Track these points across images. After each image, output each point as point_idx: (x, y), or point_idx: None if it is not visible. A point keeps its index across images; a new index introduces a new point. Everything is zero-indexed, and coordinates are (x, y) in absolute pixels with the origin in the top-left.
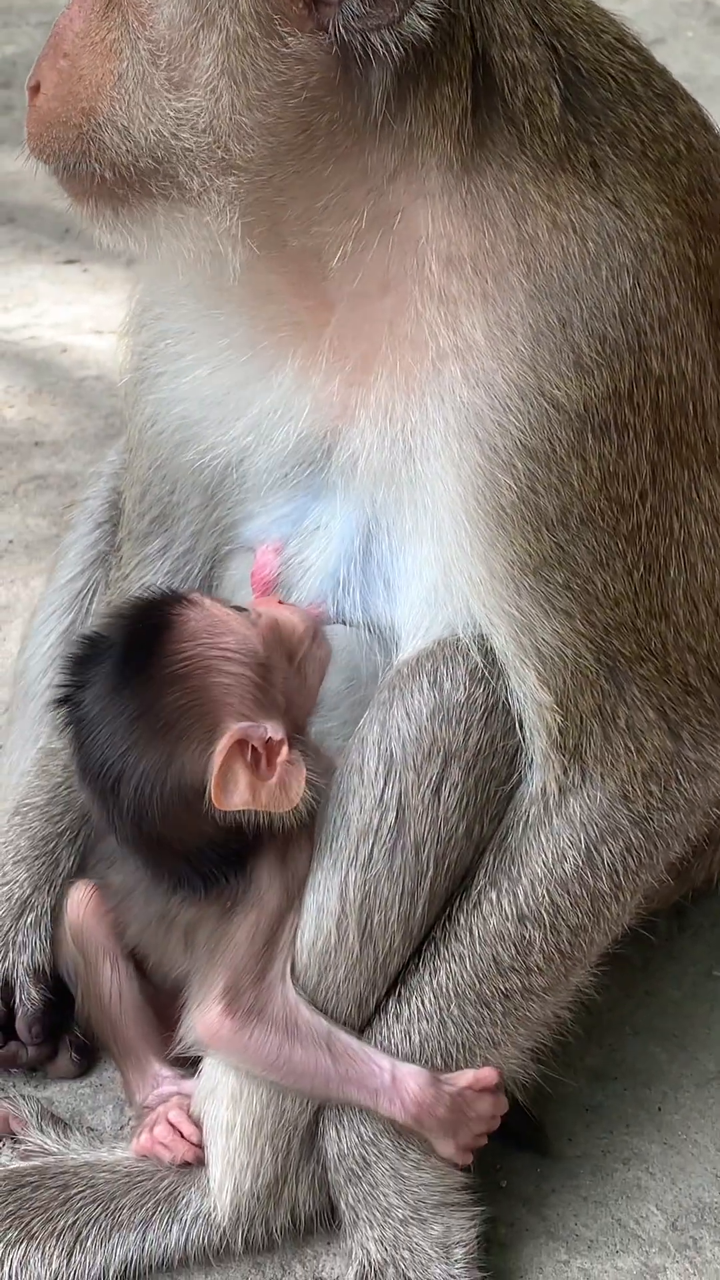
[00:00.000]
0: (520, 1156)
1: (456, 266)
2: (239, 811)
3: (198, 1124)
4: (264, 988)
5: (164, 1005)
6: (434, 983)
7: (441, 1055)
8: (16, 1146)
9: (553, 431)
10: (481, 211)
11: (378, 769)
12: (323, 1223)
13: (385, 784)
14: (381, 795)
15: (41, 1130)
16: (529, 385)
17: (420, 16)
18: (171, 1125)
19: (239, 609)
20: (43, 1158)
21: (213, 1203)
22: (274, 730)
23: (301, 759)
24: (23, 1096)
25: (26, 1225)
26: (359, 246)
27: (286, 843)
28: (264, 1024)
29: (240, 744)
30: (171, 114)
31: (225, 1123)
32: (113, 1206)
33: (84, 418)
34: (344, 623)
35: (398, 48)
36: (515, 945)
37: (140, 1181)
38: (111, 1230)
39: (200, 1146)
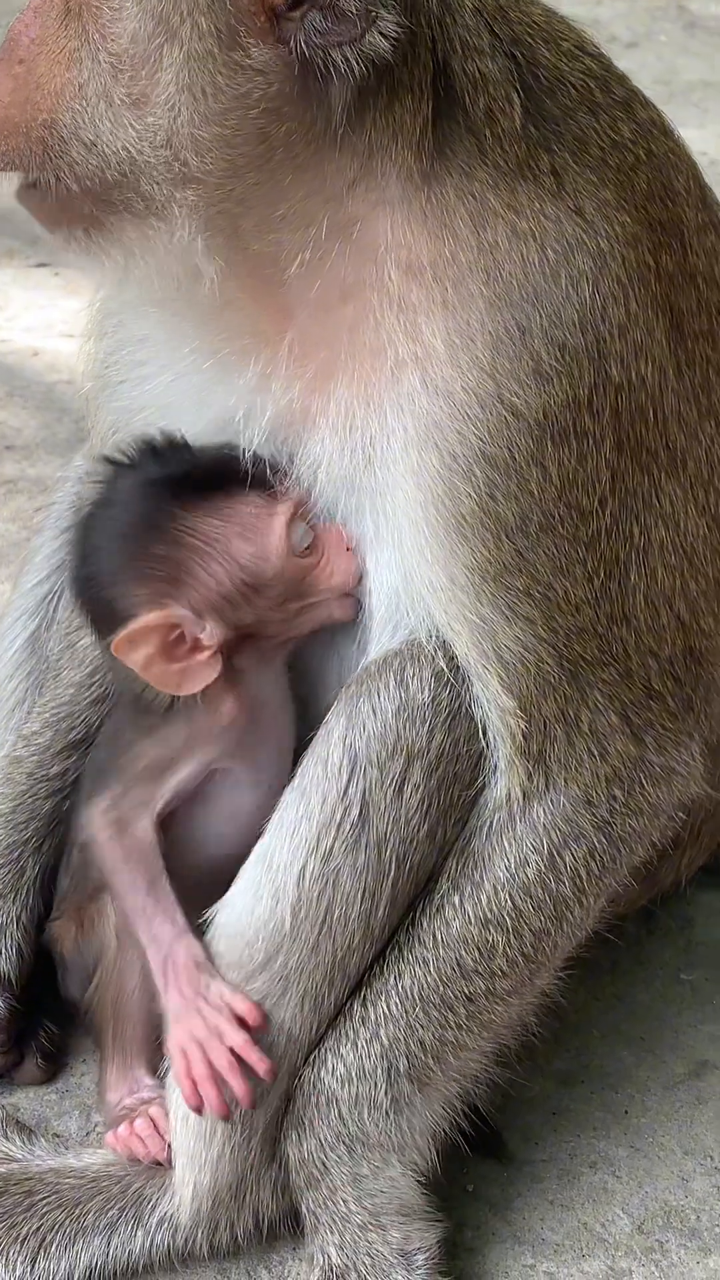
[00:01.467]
0: (486, 1161)
1: (416, 274)
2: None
3: None
4: (135, 812)
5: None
6: (399, 987)
7: (408, 1057)
8: None
9: (512, 439)
10: (441, 220)
11: (341, 763)
12: (288, 1228)
13: (349, 779)
14: (345, 789)
15: (6, 1137)
16: (488, 393)
17: (382, 35)
18: (152, 1120)
19: (312, 529)
20: (7, 1164)
21: (176, 1198)
22: (210, 636)
23: (217, 666)
24: None
25: None
26: (317, 254)
27: (218, 706)
28: (118, 837)
29: (171, 626)
30: (134, 131)
31: (183, 1114)
32: (78, 1212)
33: (55, 422)
34: None
35: (359, 64)
36: (479, 949)
37: (105, 1187)
38: (76, 1236)
39: None
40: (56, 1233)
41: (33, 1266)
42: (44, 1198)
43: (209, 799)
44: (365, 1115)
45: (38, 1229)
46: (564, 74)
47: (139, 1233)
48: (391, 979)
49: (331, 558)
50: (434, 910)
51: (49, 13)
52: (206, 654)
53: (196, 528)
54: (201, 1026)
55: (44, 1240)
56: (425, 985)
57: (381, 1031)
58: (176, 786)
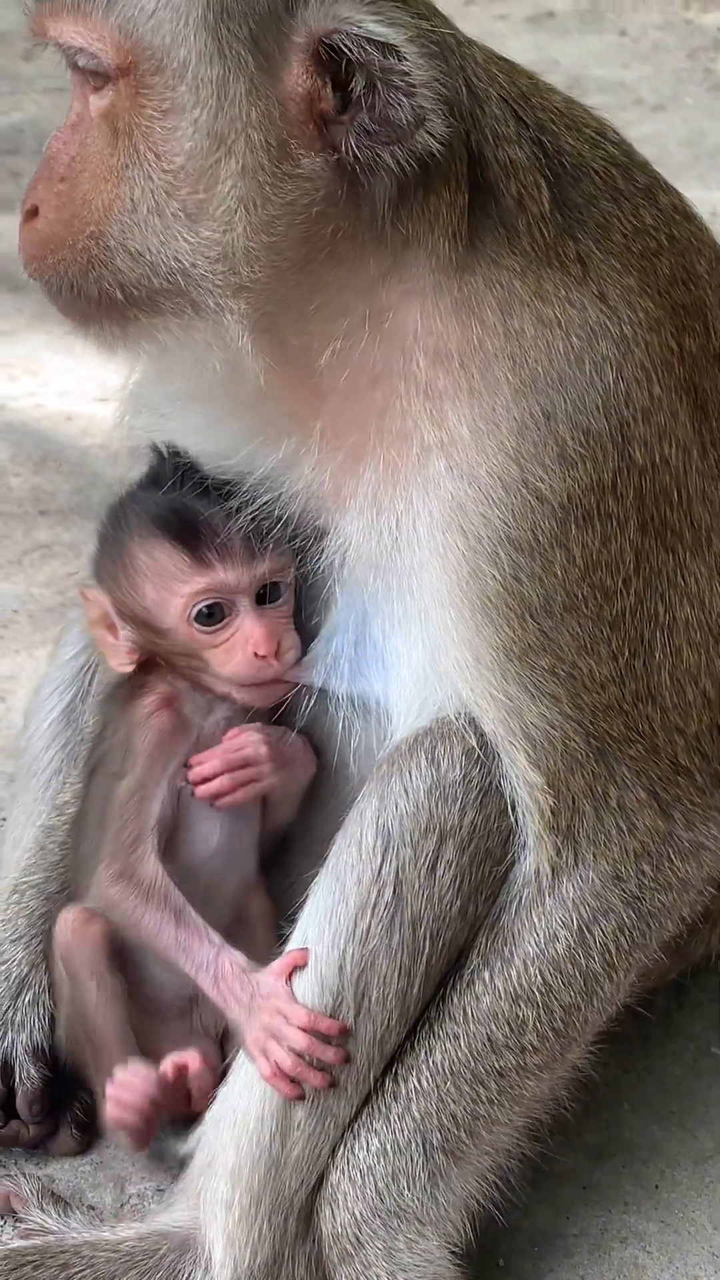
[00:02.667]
0: (517, 1235)
1: (444, 361)
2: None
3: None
4: (136, 855)
5: (148, 1041)
6: (430, 1062)
7: (441, 1130)
8: (17, 1225)
9: (536, 522)
10: (470, 308)
11: (375, 843)
12: None
13: (383, 859)
14: (379, 871)
15: (42, 1208)
16: (512, 478)
17: (430, 134)
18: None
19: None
20: (43, 1236)
21: (212, 1277)
22: (124, 637)
23: (131, 660)
24: (24, 1174)
25: None
26: (349, 343)
27: (174, 732)
28: (130, 886)
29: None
30: (187, 244)
31: (224, 1199)
32: None
33: (88, 486)
34: (332, 696)
35: (406, 162)
36: (509, 1024)
37: (140, 1261)
38: None
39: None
40: None
41: None
42: (80, 1271)
43: (182, 828)
44: (403, 1188)
45: None
46: (587, 161)
47: None
48: (423, 1054)
49: (236, 649)
50: (464, 986)
51: (90, 131)
52: (124, 649)
53: (133, 552)
54: (269, 1022)
55: None
56: (456, 1060)
57: (413, 1106)
58: (158, 812)
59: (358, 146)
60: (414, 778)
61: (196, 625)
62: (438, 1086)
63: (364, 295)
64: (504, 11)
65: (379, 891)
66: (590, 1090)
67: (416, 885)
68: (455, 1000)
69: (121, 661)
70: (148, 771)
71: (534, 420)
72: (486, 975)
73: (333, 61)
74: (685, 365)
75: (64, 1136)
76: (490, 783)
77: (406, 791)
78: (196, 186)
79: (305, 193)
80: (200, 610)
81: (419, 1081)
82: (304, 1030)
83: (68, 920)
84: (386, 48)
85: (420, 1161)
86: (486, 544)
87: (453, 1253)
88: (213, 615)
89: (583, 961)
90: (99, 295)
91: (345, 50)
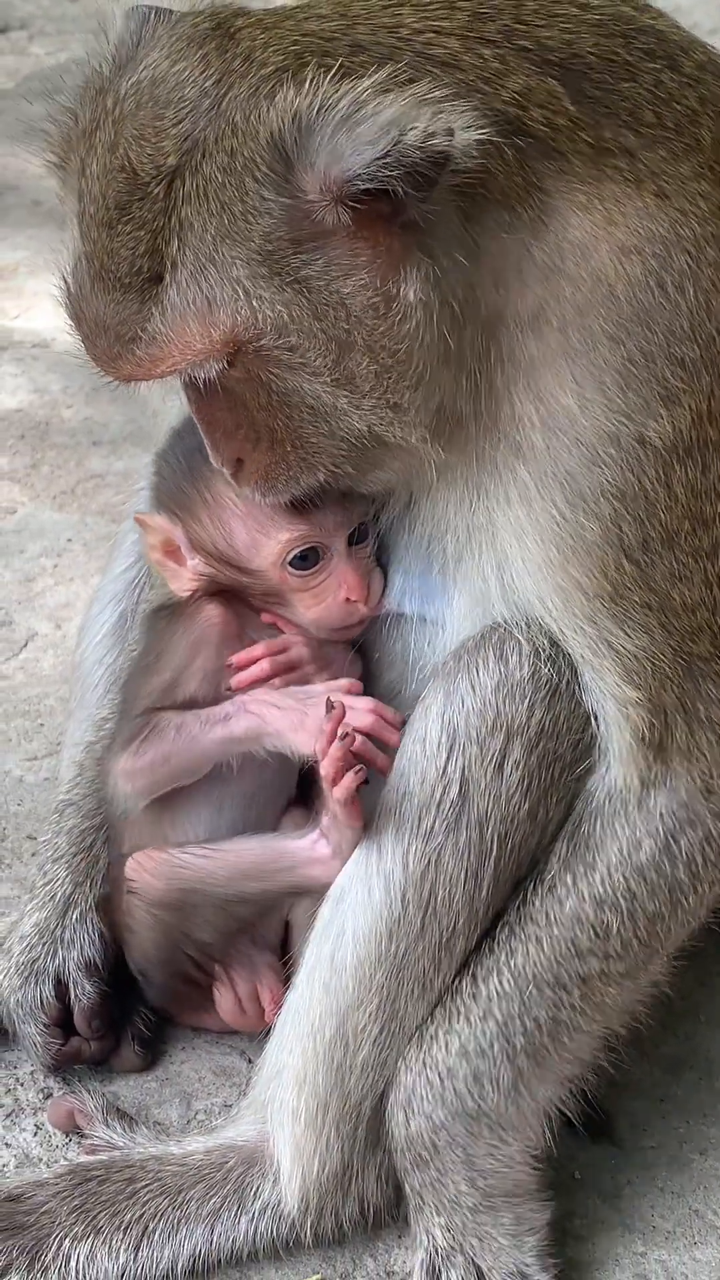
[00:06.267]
0: (594, 1149)
1: (537, 330)
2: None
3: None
4: (154, 732)
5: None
6: (511, 964)
7: (524, 1034)
8: (83, 1141)
9: (642, 470)
10: (552, 265)
11: (440, 740)
12: (392, 1215)
13: (448, 756)
14: (444, 768)
15: (107, 1124)
16: (625, 433)
17: (464, 135)
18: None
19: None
20: (109, 1152)
21: (281, 1191)
22: (193, 567)
23: (193, 585)
24: (88, 1091)
25: (93, 1219)
26: (472, 365)
27: (225, 631)
28: (144, 742)
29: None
30: (366, 417)
31: (291, 1108)
32: (180, 1199)
33: (140, 416)
34: (411, 617)
35: (469, 165)
36: (593, 929)
37: (207, 1175)
38: (179, 1223)
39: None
40: (159, 1220)
41: (136, 1254)
42: (146, 1185)
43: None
44: (486, 1091)
45: (140, 1216)
46: (580, 50)
47: (243, 1220)
48: (503, 956)
49: (328, 593)
50: (546, 890)
51: (233, 388)
52: (188, 575)
53: (220, 490)
54: (318, 703)
55: (147, 1228)
56: (539, 964)
57: (495, 1008)
58: (188, 696)
59: (425, 204)
60: (481, 674)
61: (290, 569)
62: (520, 990)
63: (478, 325)
64: None
65: (444, 789)
66: (665, 1003)
67: (483, 784)
68: (537, 904)
69: (184, 586)
70: (185, 662)
71: (635, 365)
72: (569, 879)
73: (360, 192)
74: None
75: (126, 1053)
76: (560, 683)
77: (473, 687)
78: (344, 385)
79: (418, 312)
80: (296, 555)
81: (500, 984)
82: (371, 711)
83: (135, 866)
84: (385, 153)
85: (504, 1064)
86: (590, 501)
87: (534, 1156)
88: (307, 560)
89: (668, 870)
90: (319, 476)
91: (360, 182)
